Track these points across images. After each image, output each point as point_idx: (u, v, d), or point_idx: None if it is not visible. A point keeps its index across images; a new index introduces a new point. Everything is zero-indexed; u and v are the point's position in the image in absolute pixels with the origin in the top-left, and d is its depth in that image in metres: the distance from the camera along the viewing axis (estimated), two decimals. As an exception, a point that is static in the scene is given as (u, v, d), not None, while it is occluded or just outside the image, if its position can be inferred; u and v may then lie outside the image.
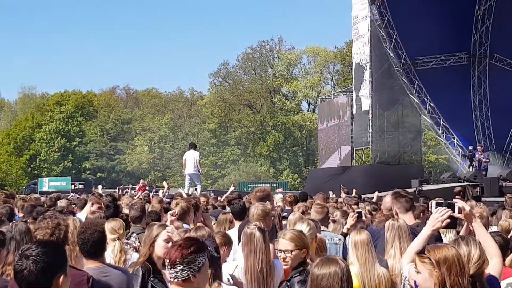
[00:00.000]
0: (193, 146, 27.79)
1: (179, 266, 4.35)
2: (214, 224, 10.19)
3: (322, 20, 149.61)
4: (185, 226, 8.96)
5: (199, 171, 26.78)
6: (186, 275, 4.36)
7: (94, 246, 5.69)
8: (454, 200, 5.78)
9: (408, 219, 7.47)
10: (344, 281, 4.42)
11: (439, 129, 37.20)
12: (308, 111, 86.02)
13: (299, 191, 25.33)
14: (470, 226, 5.56)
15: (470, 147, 32.48)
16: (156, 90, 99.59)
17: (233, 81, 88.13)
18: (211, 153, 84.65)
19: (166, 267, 4.44)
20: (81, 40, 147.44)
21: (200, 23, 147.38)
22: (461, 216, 5.50)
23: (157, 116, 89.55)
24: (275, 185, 59.40)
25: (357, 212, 9.28)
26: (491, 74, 37.12)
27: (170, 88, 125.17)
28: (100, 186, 21.65)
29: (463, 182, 26.99)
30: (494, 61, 36.81)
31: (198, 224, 9.01)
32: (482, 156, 30.90)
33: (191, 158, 27.06)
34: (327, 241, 8.07)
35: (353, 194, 21.41)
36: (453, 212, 5.51)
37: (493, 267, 5.25)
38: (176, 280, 4.38)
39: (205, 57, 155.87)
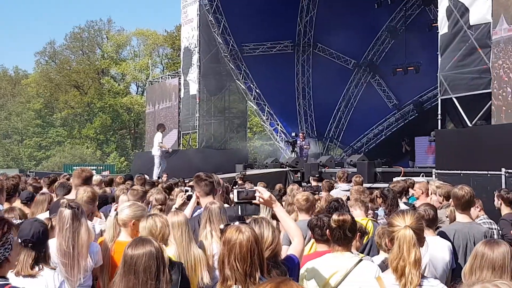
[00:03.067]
0: (159, 127, 28.32)
1: None
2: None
3: (152, 3, 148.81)
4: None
5: (159, 153, 27.86)
6: (4, 257, 4.20)
7: None
8: (255, 188, 5.99)
9: (206, 202, 7.40)
10: (160, 260, 4.47)
11: (264, 115, 38.02)
12: (136, 93, 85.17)
13: (125, 174, 25.26)
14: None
15: (293, 134, 33.33)
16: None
17: (60, 61, 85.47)
18: (35, 134, 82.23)
19: None
20: None
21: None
22: (261, 202, 5.60)
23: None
24: (101, 167, 58.61)
25: (186, 192, 9.28)
26: (314, 63, 38.44)
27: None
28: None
29: (285, 168, 27.71)
30: (317, 50, 38.17)
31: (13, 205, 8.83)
32: (304, 142, 31.99)
33: (155, 140, 27.77)
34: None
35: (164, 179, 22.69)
36: (255, 199, 5.62)
37: (293, 247, 5.47)
38: None
39: (31, 35, 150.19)
